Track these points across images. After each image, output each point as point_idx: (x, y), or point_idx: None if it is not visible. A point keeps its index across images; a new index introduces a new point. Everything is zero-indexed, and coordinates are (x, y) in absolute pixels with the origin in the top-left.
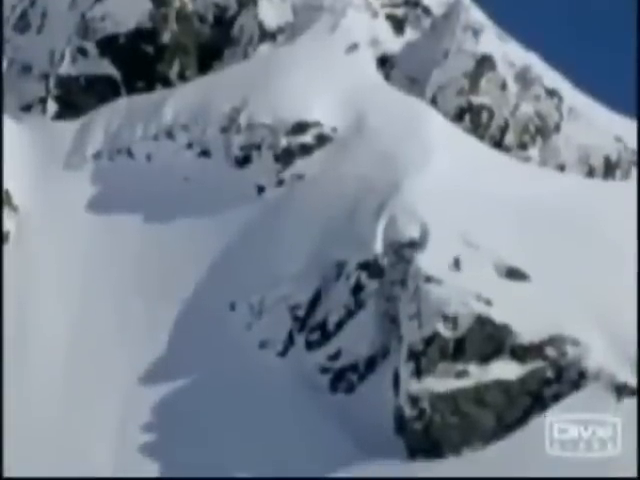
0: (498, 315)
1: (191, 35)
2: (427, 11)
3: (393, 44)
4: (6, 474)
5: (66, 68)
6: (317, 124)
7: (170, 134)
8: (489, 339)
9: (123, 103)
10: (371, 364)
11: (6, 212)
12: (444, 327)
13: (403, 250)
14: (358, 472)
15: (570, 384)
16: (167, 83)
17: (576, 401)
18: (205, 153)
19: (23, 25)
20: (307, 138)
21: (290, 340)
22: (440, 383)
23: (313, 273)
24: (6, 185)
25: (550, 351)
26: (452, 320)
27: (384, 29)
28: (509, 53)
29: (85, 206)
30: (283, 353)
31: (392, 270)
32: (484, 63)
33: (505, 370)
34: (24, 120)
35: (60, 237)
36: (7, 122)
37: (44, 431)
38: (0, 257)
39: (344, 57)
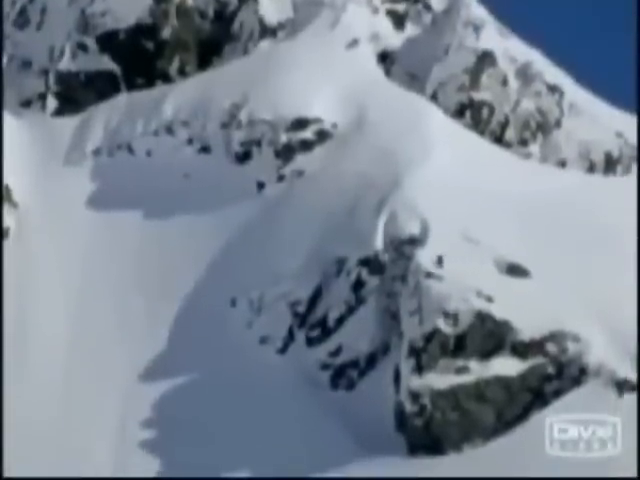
0: (499, 311)
1: (191, 31)
2: (428, 7)
3: (394, 40)
4: (6, 474)
5: (66, 64)
6: (317, 120)
7: (170, 130)
8: (490, 335)
9: (123, 99)
10: (372, 360)
11: (6, 208)
12: (445, 323)
13: (403, 246)
14: (359, 468)
15: (571, 380)
16: (167, 79)
17: (577, 397)
18: (205, 149)
19: (23, 21)
20: (307, 134)
21: (290, 336)
22: (441, 379)
23: (313, 269)
24: (6, 181)
25: (551, 347)
26: (453, 316)
27: (384, 25)
28: (510, 49)
29: (85, 202)
30: (283, 349)
31: (393, 266)
32: (485, 59)
33: (506, 366)
34: (24, 116)
35: (60, 233)
36: (7, 118)
37: (44, 429)
38: (0, 253)
39: (344, 53)
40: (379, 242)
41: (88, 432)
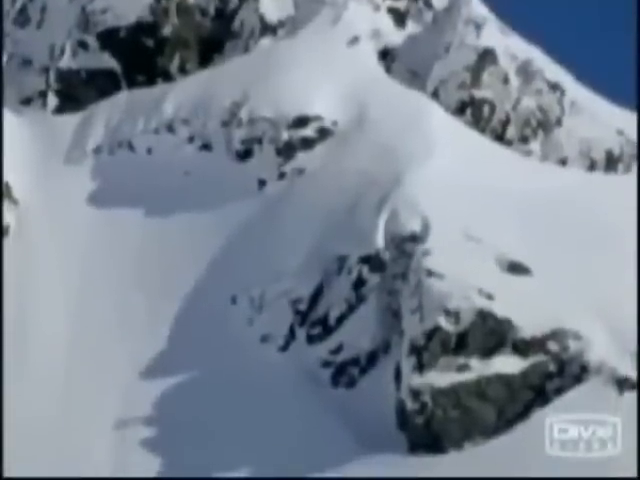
0: (500, 309)
1: (192, 29)
2: (429, 4)
3: (395, 37)
4: (6, 474)
5: (66, 62)
6: (318, 118)
7: (171, 128)
8: (491, 333)
9: (124, 97)
10: (372, 358)
11: (6, 206)
12: (446, 321)
13: (404, 244)
14: (359, 466)
15: (572, 378)
16: (168, 77)
17: (578, 395)
18: (206, 147)
19: (23, 19)
20: (308, 132)
21: (291, 334)
22: (442, 377)
23: (314, 267)
24: (6, 179)
25: (552, 345)
26: (454, 314)
27: (386, 22)
28: (511, 47)
29: (85, 200)
30: (284, 347)
31: (393, 264)
32: (486, 57)
33: (507, 364)
34: (24, 114)
35: (60, 231)
36: (7, 116)
37: (44, 427)
38: (0, 251)
39: (345, 50)
40: (380, 240)
41: (88, 429)
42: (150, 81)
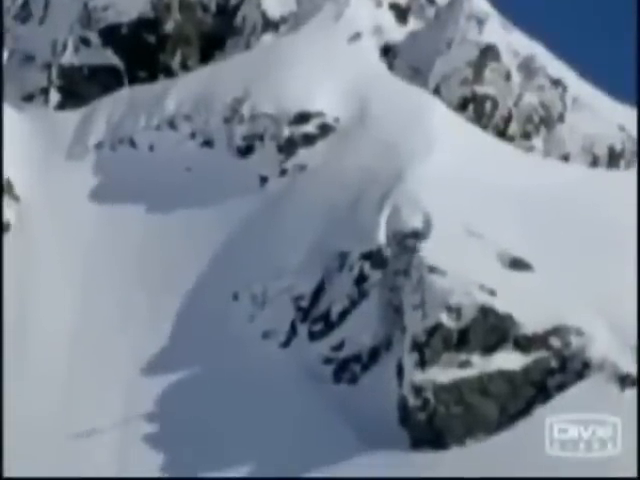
0: (501, 305)
1: (194, 25)
2: (431, 0)
3: (396, 33)
4: (6, 474)
5: (68, 58)
6: (320, 114)
7: (172, 124)
8: (493, 329)
9: (125, 93)
10: (374, 354)
11: (7, 202)
12: (448, 317)
13: (406, 240)
14: (361, 463)
15: (574, 374)
16: (169, 73)
17: (579, 392)
18: (208, 143)
19: (25, 15)
20: (310, 128)
21: (293, 331)
22: (444, 373)
23: (316, 263)
24: (7, 175)
25: (554, 341)
26: (456, 310)
27: (387, 18)
28: (513, 43)
29: (87, 196)
30: (286, 344)
31: (395, 260)
32: (488, 53)
33: (509, 360)
34: (26, 110)
35: (62, 227)
36: (9, 112)
37: (45, 423)
38: (0, 247)
39: (347, 46)
40: (382, 236)
41: (90, 425)
42: (152, 77)
